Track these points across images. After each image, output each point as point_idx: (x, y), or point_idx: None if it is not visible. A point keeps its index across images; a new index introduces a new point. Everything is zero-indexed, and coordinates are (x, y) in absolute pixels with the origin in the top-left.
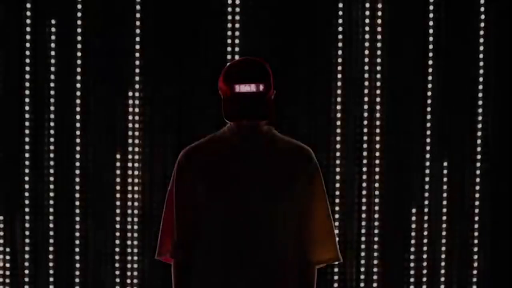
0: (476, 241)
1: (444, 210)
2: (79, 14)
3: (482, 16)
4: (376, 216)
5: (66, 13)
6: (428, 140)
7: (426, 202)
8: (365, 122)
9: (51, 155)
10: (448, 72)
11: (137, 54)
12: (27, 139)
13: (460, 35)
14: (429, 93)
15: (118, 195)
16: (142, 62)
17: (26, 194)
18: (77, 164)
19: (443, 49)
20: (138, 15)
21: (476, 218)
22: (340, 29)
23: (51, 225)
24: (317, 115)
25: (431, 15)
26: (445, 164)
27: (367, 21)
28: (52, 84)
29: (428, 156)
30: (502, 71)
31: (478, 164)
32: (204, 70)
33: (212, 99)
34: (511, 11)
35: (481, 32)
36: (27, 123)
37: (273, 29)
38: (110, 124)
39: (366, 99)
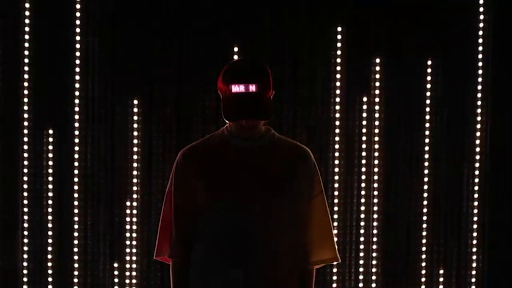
0: (475, 242)
1: (444, 210)
2: (77, 12)
3: (481, 16)
4: (375, 216)
5: (63, 12)
6: (427, 140)
7: (425, 203)
8: (365, 122)
9: (50, 155)
10: (448, 71)
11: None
12: (25, 139)
13: (460, 35)
14: (428, 93)
15: (117, 195)
16: (142, 62)
17: (26, 194)
18: (76, 164)
19: (443, 48)
20: (136, 16)
21: (475, 219)
22: (339, 29)
23: (50, 225)
24: (317, 115)
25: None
26: (445, 164)
27: (367, 21)
28: (52, 84)
29: (427, 156)
30: (502, 71)
31: (478, 165)
32: (203, 70)
33: (211, 99)
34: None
35: (480, 32)
36: (25, 123)
37: (273, 28)
38: (110, 124)
39: (365, 99)
